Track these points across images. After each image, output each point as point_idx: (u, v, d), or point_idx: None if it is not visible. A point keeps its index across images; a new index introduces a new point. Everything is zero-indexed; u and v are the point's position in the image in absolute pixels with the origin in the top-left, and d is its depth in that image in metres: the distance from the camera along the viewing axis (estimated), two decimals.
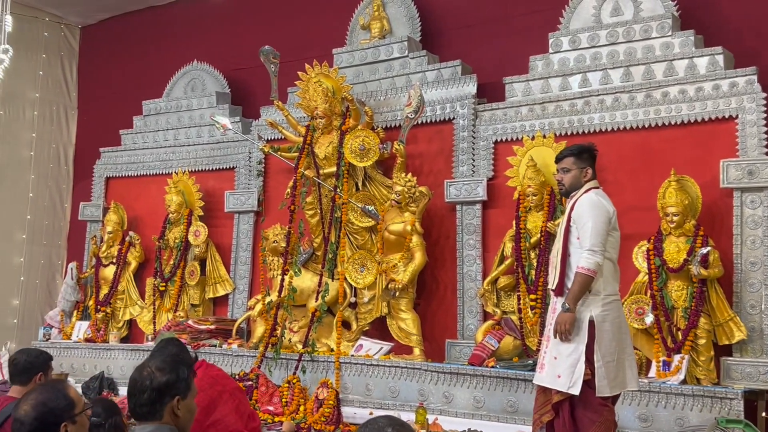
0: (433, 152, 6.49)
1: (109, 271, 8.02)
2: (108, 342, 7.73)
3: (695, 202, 5.18)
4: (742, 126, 5.19)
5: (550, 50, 6.04)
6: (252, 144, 7.37)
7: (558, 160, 4.28)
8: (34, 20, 9.29)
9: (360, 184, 6.58)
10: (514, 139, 6.04)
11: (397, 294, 6.07)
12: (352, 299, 6.38)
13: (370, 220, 6.32)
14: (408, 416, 5.33)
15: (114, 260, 8.02)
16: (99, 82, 9.48)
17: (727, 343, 5.01)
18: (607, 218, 4.03)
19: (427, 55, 6.65)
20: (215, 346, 6.88)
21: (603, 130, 5.68)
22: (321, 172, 6.60)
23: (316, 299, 6.39)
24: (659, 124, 5.49)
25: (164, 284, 7.62)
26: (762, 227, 5.03)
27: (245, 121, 7.73)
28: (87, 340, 7.80)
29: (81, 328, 7.96)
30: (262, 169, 7.41)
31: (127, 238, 7.99)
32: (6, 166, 9.05)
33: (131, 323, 8.05)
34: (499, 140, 6.14)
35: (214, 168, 7.80)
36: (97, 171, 8.66)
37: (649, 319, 5.11)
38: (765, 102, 5.13)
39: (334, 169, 6.51)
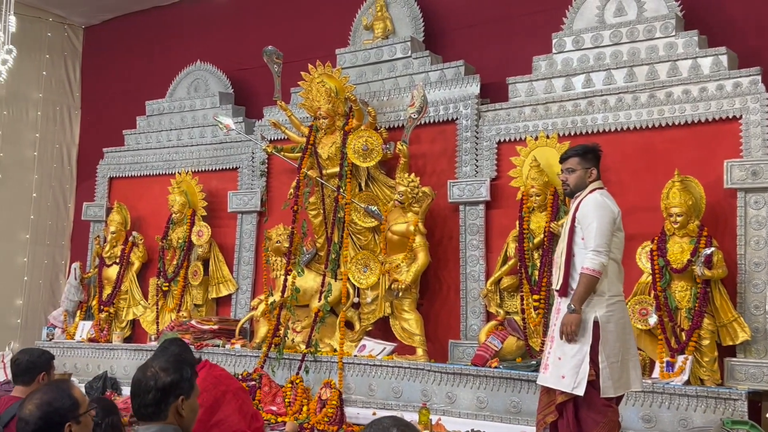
0: (436, 152, 6.49)
1: (112, 271, 8.04)
2: (111, 342, 7.74)
3: (699, 203, 5.17)
4: (746, 126, 5.18)
5: (554, 50, 6.03)
6: (255, 144, 7.38)
7: (562, 160, 4.27)
8: (37, 20, 9.30)
9: (363, 185, 6.58)
10: (518, 140, 6.03)
11: (400, 294, 6.07)
12: (355, 299, 6.38)
13: (373, 220, 6.33)
14: (411, 417, 5.33)
15: (117, 260, 8.03)
16: (102, 83, 9.49)
17: (731, 343, 5.01)
18: (611, 219, 4.03)
19: (430, 56, 6.65)
20: (218, 346, 6.89)
21: (606, 130, 5.67)
22: (324, 172, 6.60)
23: (319, 299, 6.39)
24: (663, 125, 5.49)
25: (167, 284, 7.63)
26: (766, 228, 5.02)
27: (248, 122, 7.74)
28: (90, 340, 7.81)
29: (84, 328, 7.97)
30: (265, 170, 7.42)
31: (131, 238, 8.00)
32: (9, 166, 9.06)
33: (134, 323, 8.07)
34: (502, 140, 6.14)
35: (217, 168, 7.81)
36: (101, 171, 8.67)
37: (653, 319, 5.10)
38: None
39: (337, 169, 6.51)
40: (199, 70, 8.24)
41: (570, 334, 3.91)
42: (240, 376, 6.15)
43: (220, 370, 4.69)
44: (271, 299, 6.60)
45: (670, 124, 5.46)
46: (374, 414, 5.67)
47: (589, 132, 5.72)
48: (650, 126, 5.53)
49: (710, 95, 5.33)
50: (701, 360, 5.00)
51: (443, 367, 5.68)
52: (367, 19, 7.03)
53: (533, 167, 5.72)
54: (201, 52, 8.33)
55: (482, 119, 6.24)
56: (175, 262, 7.63)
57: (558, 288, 4.11)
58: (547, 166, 5.68)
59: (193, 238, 7.52)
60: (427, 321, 6.18)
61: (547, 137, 5.79)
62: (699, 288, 5.02)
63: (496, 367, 5.46)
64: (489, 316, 6.00)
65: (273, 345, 6.40)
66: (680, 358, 4.97)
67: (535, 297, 5.62)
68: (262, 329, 6.71)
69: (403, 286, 6.01)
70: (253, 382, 6.13)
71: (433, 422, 5.39)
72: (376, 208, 6.28)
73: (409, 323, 6.10)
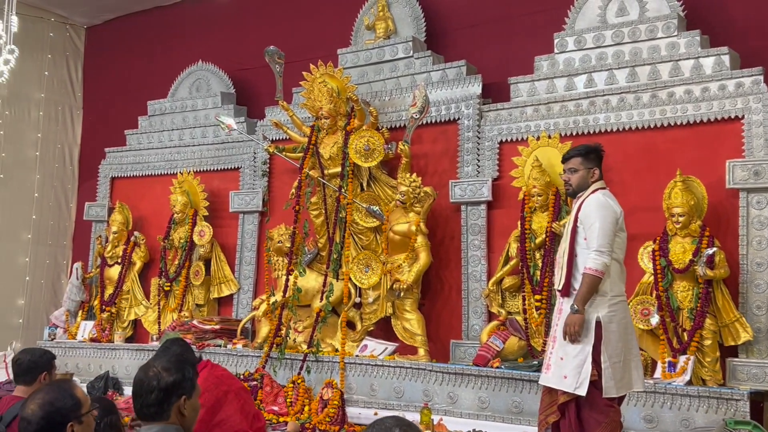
0: (438, 152, 6.49)
1: (114, 271, 8.04)
2: (113, 342, 7.75)
3: (701, 203, 5.17)
4: (748, 126, 5.18)
5: (556, 50, 6.03)
6: (257, 144, 7.38)
7: (565, 160, 4.26)
8: (39, 21, 9.31)
9: (365, 185, 6.58)
10: (519, 140, 6.03)
11: (402, 294, 6.07)
12: (357, 299, 6.38)
13: (374, 220, 6.33)
14: (413, 417, 5.32)
15: (119, 260, 8.04)
16: (104, 83, 9.50)
17: (733, 344, 5.00)
18: (614, 219, 4.03)
19: (432, 56, 6.65)
20: (220, 346, 6.89)
21: (608, 130, 5.67)
22: (326, 172, 6.60)
23: (321, 299, 6.39)
24: (665, 125, 5.48)
25: (169, 284, 7.63)
26: None
27: (250, 122, 7.74)
28: (92, 339, 7.82)
29: (86, 328, 7.97)
30: (267, 170, 7.42)
31: (132, 238, 8.00)
32: (11, 166, 9.07)
33: (136, 323, 8.07)
34: (504, 140, 6.14)
35: (219, 168, 7.81)
36: (103, 171, 8.68)
37: (655, 319, 5.10)
38: None
39: (338, 169, 6.51)
40: (201, 70, 8.24)
41: (573, 335, 3.91)
42: (242, 376, 6.15)
43: (222, 370, 4.69)
44: (272, 299, 6.60)
45: (672, 124, 5.45)
46: (376, 414, 5.67)
47: (591, 132, 5.72)
48: (652, 126, 5.52)
49: (712, 95, 5.33)
50: (703, 360, 4.99)
51: (445, 367, 5.68)
52: (369, 19, 7.03)
53: (535, 167, 5.72)
54: (203, 52, 8.34)
55: (484, 119, 6.24)
56: (176, 262, 7.63)
57: (560, 288, 4.11)
58: (549, 166, 5.68)
59: (195, 238, 7.53)
60: (428, 321, 6.18)
61: (549, 137, 5.79)
62: (701, 288, 5.02)
63: (497, 368, 5.45)
64: (491, 317, 6.00)
65: (275, 345, 6.40)
66: (682, 359, 4.97)
67: (537, 297, 5.61)
68: (264, 329, 6.71)
69: (405, 286, 6.01)
70: (255, 382, 6.14)
71: (435, 422, 5.39)
72: (377, 208, 6.28)
73: (411, 323, 6.09)
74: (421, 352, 6.00)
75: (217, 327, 7.07)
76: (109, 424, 3.16)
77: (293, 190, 6.69)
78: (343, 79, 6.62)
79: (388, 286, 6.16)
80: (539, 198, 5.68)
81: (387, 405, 5.81)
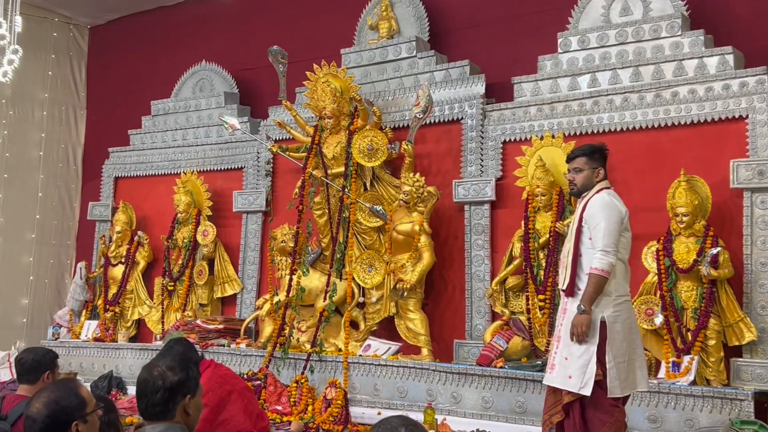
0: (442, 152, 6.48)
1: (117, 271, 8.05)
2: (117, 341, 7.76)
3: (705, 203, 5.16)
4: (753, 126, 5.17)
5: (559, 50, 6.03)
6: (260, 144, 7.39)
7: (569, 160, 4.26)
8: (43, 21, 9.33)
9: (368, 184, 6.58)
10: (523, 139, 6.03)
11: (405, 294, 6.07)
12: (360, 299, 6.38)
13: (378, 220, 6.33)
14: (416, 416, 5.32)
15: (123, 260, 8.05)
16: (108, 82, 9.51)
17: (737, 344, 4.99)
18: (619, 218, 4.02)
19: (436, 55, 6.65)
20: (223, 345, 6.89)
21: (612, 130, 5.66)
22: (329, 172, 6.60)
23: (325, 299, 6.39)
24: (669, 124, 5.47)
25: (173, 284, 7.64)
26: None
27: (253, 121, 7.74)
28: (96, 339, 7.83)
29: (90, 328, 7.98)
30: (271, 169, 7.42)
31: (136, 238, 8.01)
32: (15, 166, 9.09)
33: (140, 323, 8.08)
34: (507, 140, 6.13)
35: (222, 168, 7.82)
36: (106, 171, 8.69)
37: (659, 319, 5.09)
38: None
39: (342, 169, 6.52)
40: (204, 70, 8.25)
41: (581, 335, 3.90)
42: (245, 376, 6.15)
43: (226, 369, 4.69)
44: (276, 299, 6.61)
45: (676, 123, 5.45)
46: (379, 414, 5.68)
47: (595, 132, 5.72)
48: (656, 126, 5.52)
49: (716, 95, 5.32)
50: (707, 360, 4.99)
51: (448, 366, 5.68)
52: (372, 18, 7.03)
53: (539, 167, 5.71)
54: (206, 52, 8.34)
55: (487, 119, 6.24)
56: (180, 262, 7.64)
57: (564, 288, 4.11)
58: (553, 166, 5.68)
59: (199, 238, 7.54)
60: (432, 321, 6.18)
61: (553, 137, 5.78)
62: (705, 288, 5.01)
63: (501, 367, 5.45)
64: (494, 316, 5.99)
65: (278, 344, 6.40)
66: (686, 359, 4.96)
67: (541, 297, 5.61)
68: (267, 329, 6.72)
69: (408, 286, 6.01)
70: (258, 382, 6.14)
71: (438, 422, 5.39)
72: (381, 207, 6.28)
73: (414, 323, 6.09)
74: (425, 351, 6.00)
75: (221, 326, 7.08)
76: (108, 422, 3.16)
77: (296, 190, 6.70)
78: (347, 79, 6.62)
79: (392, 286, 6.16)
80: (543, 198, 5.68)
81: (390, 405, 5.81)
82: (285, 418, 5.83)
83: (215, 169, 7.84)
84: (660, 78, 5.55)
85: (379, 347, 6.15)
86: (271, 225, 7.10)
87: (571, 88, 5.90)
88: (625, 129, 5.63)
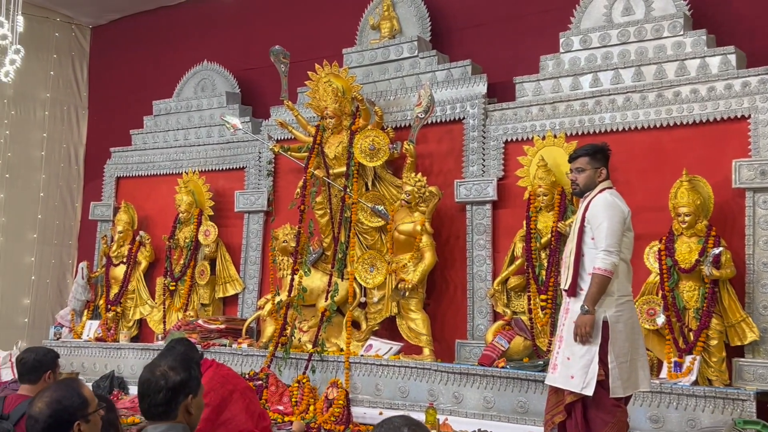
0: (443, 152, 6.48)
1: (119, 271, 8.06)
2: (118, 341, 7.76)
3: (707, 203, 5.16)
4: (755, 126, 5.16)
5: (561, 50, 6.02)
6: (262, 144, 7.39)
7: (572, 159, 4.25)
8: (45, 21, 9.33)
9: (370, 184, 6.58)
10: (525, 139, 6.02)
11: (407, 294, 6.07)
12: (362, 299, 6.38)
13: (379, 220, 6.32)
14: (418, 416, 5.31)
15: (124, 260, 8.05)
16: (109, 82, 9.52)
17: (739, 344, 4.99)
18: (622, 218, 4.02)
19: (437, 55, 6.65)
20: (225, 345, 6.89)
21: (614, 129, 5.66)
22: (331, 172, 6.60)
23: (326, 299, 6.39)
24: (671, 124, 5.47)
25: (174, 284, 7.64)
26: None
27: (255, 121, 7.75)
28: (97, 339, 7.83)
29: (91, 328, 7.99)
30: (272, 169, 7.42)
31: (138, 238, 8.02)
32: (17, 166, 9.10)
33: (141, 322, 8.09)
34: (509, 140, 6.13)
35: (224, 168, 7.82)
36: (108, 171, 8.70)
37: (661, 319, 5.09)
38: None
39: (344, 169, 6.51)
40: (206, 70, 8.25)
41: (584, 336, 3.89)
42: (247, 376, 6.15)
43: (227, 369, 4.68)
44: (277, 299, 6.61)
45: (678, 123, 5.44)
46: (381, 414, 5.68)
47: (597, 131, 5.71)
48: (658, 125, 5.51)
49: (718, 94, 5.31)
50: (709, 360, 4.98)
51: (450, 367, 5.68)
52: (374, 18, 7.03)
53: (540, 167, 5.71)
54: (208, 52, 8.35)
55: (489, 119, 6.23)
56: (182, 262, 7.65)
57: (567, 288, 4.10)
58: (555, 166, 5.67)
59: (200, 238, 7.54)
60: (433, 321, 6.18)
61: (555, 137, 5.78)
62: (707, 288, 5.01)
63: (503, 367, 5.45)
64: (496, 316, 5.99)
65: (280, 344, 6.40)
66: (688, 359, 4.95)
67: (543, 297, 5.61)
68: (269, 329, 6.72)
69: (410, 286, 6.01)
70: (260, 382, 6.14)
71: (440, 422, 5.38)
72: (382, 207, 6.27)
73: (416, 323, 6.09)
74: (426, 351, 6.00)
75: (222, 326, 7.08)
76: (108, 422, 3.16)
77: (298, 190, 6.70)
78: (348, 79, 6.62)
79: (393, 286, 6.16)
80: (545, 197, 5.68)
81: (392, 405, 5.81)
82: (286, 418, 5.83)
83: (217, 169, 7.84)
84: (662, 78, 5.54)
85: (381, 347, 6.15)
86: (273, 225, 7.10)
87: (573, 88, 5.90)
88: (627, 129, 5.62)
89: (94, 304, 8.29)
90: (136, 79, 9.19)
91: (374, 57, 6.91)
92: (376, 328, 6.39)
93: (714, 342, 4.97)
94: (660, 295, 5.17)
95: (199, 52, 8.40)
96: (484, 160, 6.22)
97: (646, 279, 5.28)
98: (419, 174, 6.19)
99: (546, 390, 4.30)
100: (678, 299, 5.11)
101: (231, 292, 7.52)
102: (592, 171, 4.16)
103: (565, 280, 4.15)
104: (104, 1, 9.11)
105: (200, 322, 7.12)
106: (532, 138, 5.92)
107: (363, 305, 6.43)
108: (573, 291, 4.05)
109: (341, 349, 6.30)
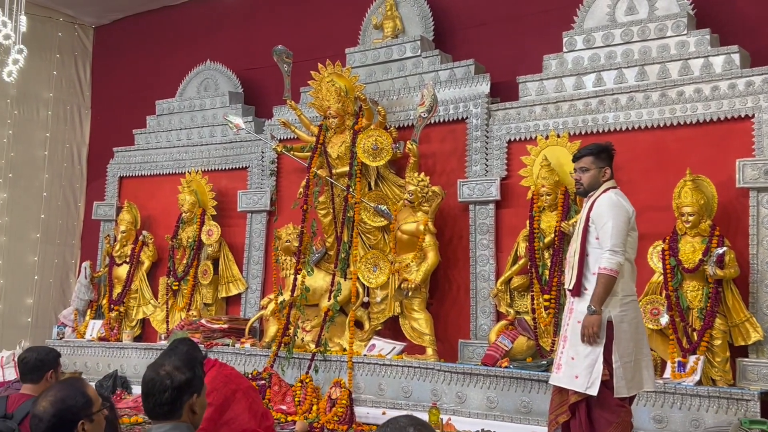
0: (446, 152, 6.48)
1: (122, 270, 8.06)
2: (121, 341, 7.77)
3: (711, 202, 5.15)
4: (759, 125, 5.15)
5: (564, 49, 6.01)
6: (265, 143, 7.39)
7: (576, 159, 4.24)
8: (48, 20, 9.34)
9: (373, 184, 6.58)
10: (528, 139, 6.02)
11: (410, 294, 6.07)
12: (365, 299, 6.38)
13: (382, 219, 6.32)
14: (421, 416, 5.31)
15: (127, 259, 8.06)
16: (112, 82, 9.52)
17: (743, 344, 4.98)
18: (627, 218, 4.01)
19: (440, 55, 6.64)
20: (228, 345, 6.89)
21: (617, 129, 5.65)
22: (334, 171, 6.60)
23: (329, 299, 6.39)
24: (674, 124, 5.46)
25: (177, 283, 7.65)
26: None
27: (258, 121, 7.75)
28: (100, 338, 7.84)
29: (94, 327, 8.00)
30: (275, 169, 7.43)
31: (141, 238, 8.02)
32: (20, 166, 9.10)
33: (144, 322, 8.09)
34: (512, 140, 6.12)
35: (227, 167, 7.82)
36: (111, 170, 8.70)
37: (664, 319, 5.08)
38: None
39: (346, 168, 6.51)
40: (209, 70, 8.25)
41: (591, 336, 3.88)
42: (250, 375, 6.15)
43: (230, 369, 4.69)
44: (280, 298, 6.61)
45: (682, 123, 5.43)
46: (384, 413, 5.68)
47: (600, 131, 5.70)
48: (662, 125, 5.50)
49: (722, 94, 5.30)
50: (713, 360, 4.97)
51: (453, 366, 5.68)
52: (377, 18, 7.03)
53: (544, 166, 5.70)
54: (211, 52, 8.35)
55: (492, 118, 6.23)
56: (185, 261, 7.65)
57: (571, 288, 4.09)
58: (558, 166, 5.67)
59: (203, 238, 7.54)
60: (436, 320, 6.18)
61: (558, 136, 5.77)
62: (711, 288, 5.00)
63: (506, 367, 5.44)
64: (499, 316, 5.98)
65: (283, 344, 6.40)
66: (692, 359, 4.95)
67: (546, 297, 5.60)
68: (272, 328, 6.72)
69: (413, 286, 6.00)
70: (263, 381, 6.14)
71: (443, 422, 5.38)
72: (385, 207, 6.27)
73: (419, 323, 6.09)
74: (430, 351, 5.99)
75: (225, 326, 7.08)
76: (108, 421, 3.15)
77: (301, 190, 6.70)
78: (351, 79, 6.62)
79: (396, 286, 6.15)
80: (548, 197, 5.67)
81: (395, 405, 5.81)
82: (289, 418, 5.83)
83: (220, 168, 7.85)
84: (665, 77, 5.53)
85: (384, 347, 6.14)
86: (276, 224, 7.10)
87: (577, 88, 5.89)
88: (630, 128, 5.62)
89: (97, 304, 8.30)
90: (139, 79, 9.20)
91: (377, 57, 6.91)
92: (379, 327, 6.39)
93: (718, 342, 4.96)
94: (664, 294, 5.17)
95: (202, 52, 8.41)
96: (487, 160, 6.21)
97: (649, 279, 5.28)
98: (422, 174, 6.19)
99: (549, 390, 4.30)
100: (682, 299, 5.10)
101: (234, 291, 7.52)
102: (596, 170, 4.15)
103: (569, 280, 4.14)
104: (107, 1, 9.12)
105: (203, 321, 7.12)
106: (536, 138, 5.91)
107: (366, 305, 6.43)
108: (577, 291, 4.04)
109: (344, 349, 6.30)
